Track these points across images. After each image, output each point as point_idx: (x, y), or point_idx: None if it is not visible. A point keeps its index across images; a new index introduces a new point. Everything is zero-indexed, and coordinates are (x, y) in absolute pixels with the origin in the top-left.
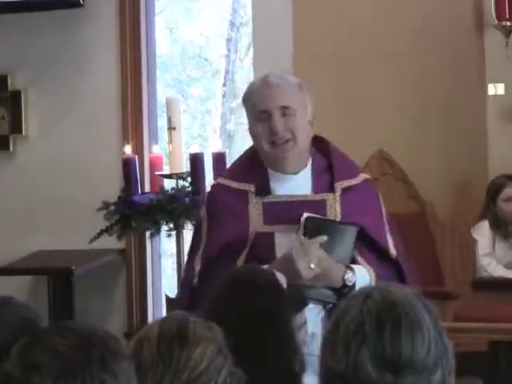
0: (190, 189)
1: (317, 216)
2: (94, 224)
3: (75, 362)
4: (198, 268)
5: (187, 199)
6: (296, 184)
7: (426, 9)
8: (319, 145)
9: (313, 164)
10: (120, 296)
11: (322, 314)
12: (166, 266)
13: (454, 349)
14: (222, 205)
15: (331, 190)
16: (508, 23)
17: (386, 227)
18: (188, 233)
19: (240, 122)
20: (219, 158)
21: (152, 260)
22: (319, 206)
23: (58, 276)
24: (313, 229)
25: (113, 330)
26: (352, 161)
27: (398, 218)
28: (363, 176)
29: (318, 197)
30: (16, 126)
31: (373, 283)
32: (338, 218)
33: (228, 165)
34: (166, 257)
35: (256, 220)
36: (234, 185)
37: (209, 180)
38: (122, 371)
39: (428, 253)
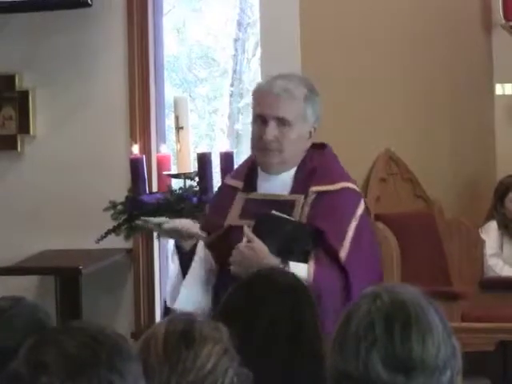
0: (197, 188)
1: (275, 214)
2: (102, 224)
3: (83, 362)
4: None
5: (195, 199)
6: (277, 184)
7: (434, 9)
8: (316, 150)
9: (299, 167)
10: (127, 296)
11: None
12: None
13: (461, 349)
14: (216, 200)
15: (306, 192)
16: None
17: (349, 235)
18: None
19: (247, 121)
20: (227, 158)
21: (160, 260)
22: (288, 205)
23: (66, 276)
24: (264, 224)
25: (120, 329)
26: (338, 169)
27: (405, 218)
28: (343, 185)
29: (290, 197)
30: (24, 126)
31: (310, 282)
32: (304, 220)
33: (235, 165)
34: None
35: (234, 214)
36: (230, 182)
37: (216, 180)
38: (129, 372)
39: (435, 252)
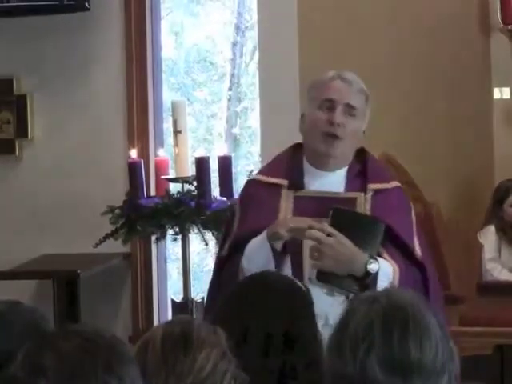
0: (195, 193)
1: (346, 208)
2: (100, 228)
3: (81, 366)
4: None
5: (193, 203)
6: (329, 181)
7: (431, 12)
8: (359, 154)
9: (350, 166)
10: (125, 300)
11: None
12: (172, 271)
13: (459, 353)
14: (254, 198)
15: (363, 191)
16: None
17: (414, 231)
18: (193, 237)
19: (245, 125)
20: (225, 162)
21: (157, 264)
22: (350, 203)
23: (64, 280)
24: (340, 220)
25: (118, 333)
26: (386, 169)
27: None
28: (396, 184)
29: (350, 195)
30: (21, 130)
31: (396, 277)
32: None
33: (233, 168)
34: (172, 261)
35: (286, 213)
36: (269, 179)
37: (214, 184)
38: (127, 375)
39: (433, 255)
